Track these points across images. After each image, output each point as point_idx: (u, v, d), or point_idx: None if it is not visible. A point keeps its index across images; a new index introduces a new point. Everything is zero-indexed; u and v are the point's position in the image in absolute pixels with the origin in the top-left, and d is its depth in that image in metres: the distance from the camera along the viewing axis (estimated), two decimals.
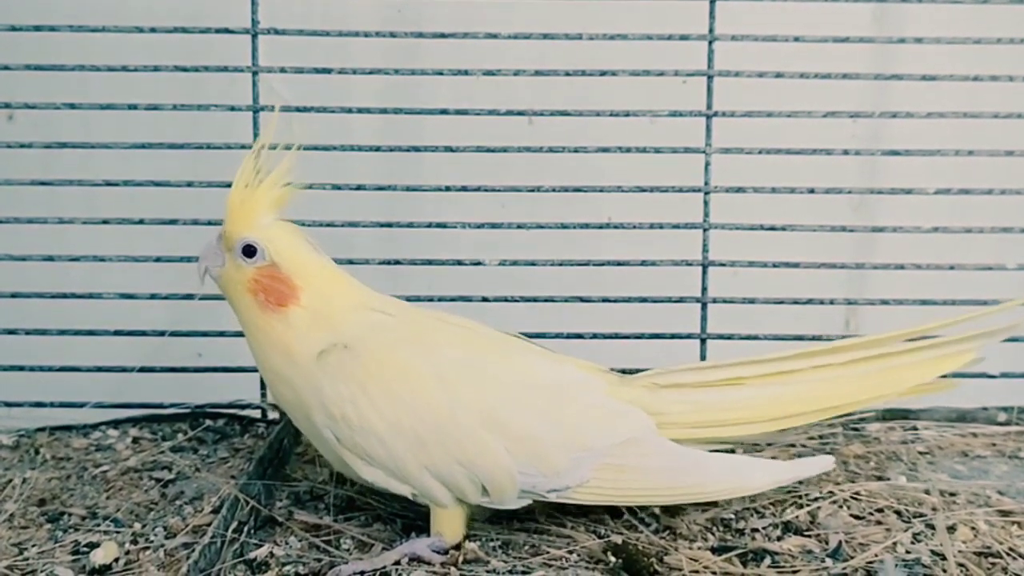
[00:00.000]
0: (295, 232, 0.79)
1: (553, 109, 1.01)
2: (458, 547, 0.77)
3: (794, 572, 0.74)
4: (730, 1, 1.00)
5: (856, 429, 0.98)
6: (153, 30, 1.00)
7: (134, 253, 1.01)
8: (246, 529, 0.79)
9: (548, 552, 0.77)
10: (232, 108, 1.00)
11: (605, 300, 1.02)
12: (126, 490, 0.88)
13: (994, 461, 0.93)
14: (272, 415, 1.02)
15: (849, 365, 0.84)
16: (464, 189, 1.02)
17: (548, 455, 0.76)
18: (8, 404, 1.01)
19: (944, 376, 0.85)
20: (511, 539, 0.79)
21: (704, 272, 1.02)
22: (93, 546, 0.77)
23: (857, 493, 0.85)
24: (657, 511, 0.83)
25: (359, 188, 1.01)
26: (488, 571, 0.74)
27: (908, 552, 0.77)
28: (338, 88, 1.07)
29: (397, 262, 1.02)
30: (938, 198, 1.01)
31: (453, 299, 1.01)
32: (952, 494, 0.85)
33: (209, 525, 0.78)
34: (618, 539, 0.78)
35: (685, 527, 0.81)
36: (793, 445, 0.93)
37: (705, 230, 1.02)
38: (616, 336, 1.01)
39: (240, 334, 0.81)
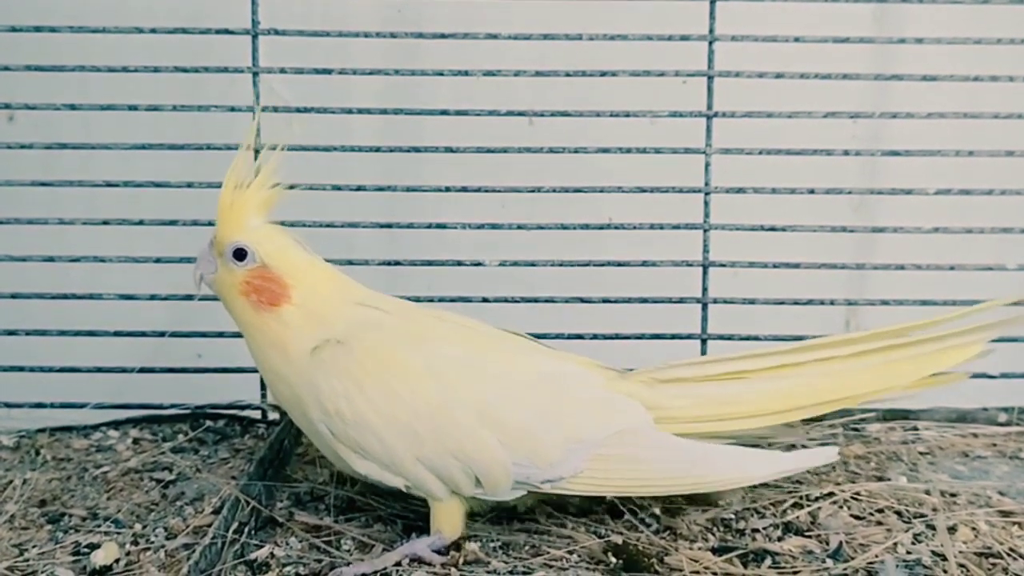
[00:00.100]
0: (283, 233, 0.81)
1: (553, 109, 1.01)
2: (459, 548, 0.77)
3: (795, 573, 0.74)
4: (730, 1, 1.01)
5: (856, 429, 0.98)
6: (153, 31, 1.00)
7: (134, 254, 1.01)
8: (247, 530, 0.79)
9: (548, 553, 0.77)
10: (232, 109, 1.00)
11: (606, 301, 1.02)
12: (127, 491, 0.88)
13: (995, 462, 0.93)
14: (272, 416, 1.02)
15: (852, 358, 0.83)
16: (464, 190, 1.02)
17: (541, 446, 0.76)
18: (9, 405, 1.01)
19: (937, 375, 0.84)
20: (512, 540, 0.79)
21: (705, 272, 1.02)
22: (94, 547, 0.77)
23: (858, 493, 0.85)
24: (657, 511, 0.83)
25: (359, 189, 1.01)
26: (489, 572, 0.74)
27: (909, 553, 0.77)
28: (338, 89, 1.07)
29: (397, 263, 1.02)
30: (938, 198, 1.01)
31: (453, 300, 1.01)
32: (953, 494, 0.85)
33: (210, 526, 0.78)
34: (618, 539, 0.78)
35: (686, 527, 0.81)
36: (794, 446, 0.93)
37: (705, 231, 1.02)
38: (617, 337, 1.01)
39: (240, 335, 0.81)
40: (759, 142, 1.01)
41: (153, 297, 1.01)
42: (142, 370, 1.02)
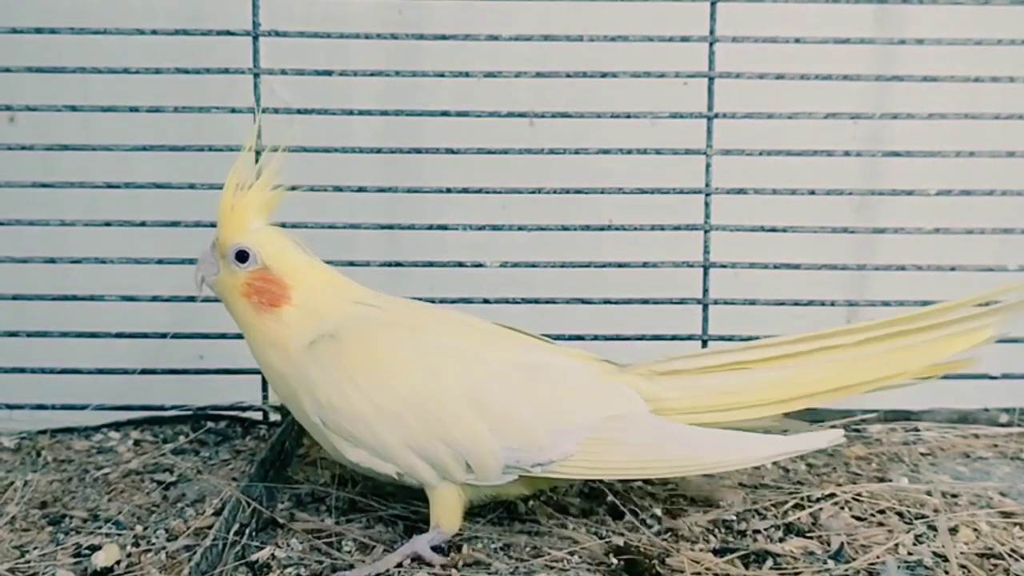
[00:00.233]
0: (284, 235, 0.82)
1: (554, 111, 1.01)
2: (459, 549, 0.77)
3: (796, 574, 0.74)
4: (731, 2, 1.01)
5: (858, 430, 0.98)
6: (154, 32, 1.00)
7: (136, 255, 1.01)
8: (248, 531, 0.79)
9: (549, 554, 0.77)
10: (233, 110, 1.00)
11: (606, 302, 1.02)
12: (127, 492, 0.88)
13: (996, 462, 0.93)
14: (274, 417, 1.02)
15: (855, 347, 0.82)
16: (465, 191, 1.02)
17: (530, 430, 0.76)
18: (10, 406, 1.01)
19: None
20: (512, 541, 0.79)
21: (705, 273, 1.02)
22: (95, 548, 0.77)
23: (859, 494, 0.85)
24: (659, 512, 0.83)
25: (360, 190, 1.02)
26: (489, 573, 0.74)
27: (910, 554, 0.77)
28: (339, 90, 1.07)
29: (398, 264, 1.03)
30: (939, 199, 1.01)
31: (454, 301, 1.01)
32: (954, 495, 0.85)
33: (211, 527, 0.78)
34: (620, 541, 0.78)
35: (687, 529, 0.81)
36: None
37: (706, 231, 1.02)
38: (618, 338, 1.01)
39: (241, 336, 0.82)
40: (760, 143, 1.01)
41: (155, 298, 1.01)
42: (143, 371, 1.02)
